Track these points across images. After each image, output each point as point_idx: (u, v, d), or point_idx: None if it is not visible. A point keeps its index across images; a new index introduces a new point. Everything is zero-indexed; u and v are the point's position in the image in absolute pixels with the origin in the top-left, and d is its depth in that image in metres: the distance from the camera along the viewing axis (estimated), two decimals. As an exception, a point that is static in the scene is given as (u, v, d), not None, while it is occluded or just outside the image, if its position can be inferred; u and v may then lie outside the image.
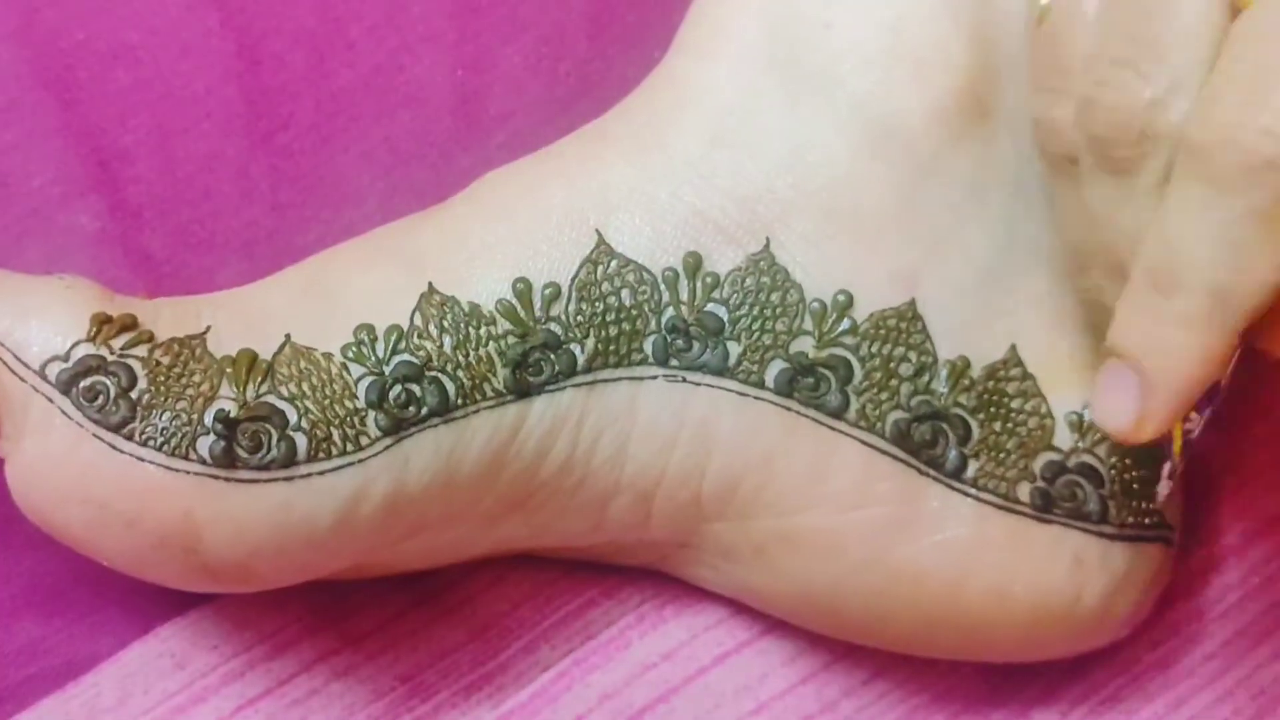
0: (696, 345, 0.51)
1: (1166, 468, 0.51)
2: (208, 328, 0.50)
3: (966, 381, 0.51)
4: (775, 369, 0.51)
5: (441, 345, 0.50)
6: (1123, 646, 0.55)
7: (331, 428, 0.49)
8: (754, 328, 0.51)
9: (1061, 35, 0.47)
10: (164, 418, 0.48)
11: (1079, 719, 0.55)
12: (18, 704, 0.54)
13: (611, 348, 0.51)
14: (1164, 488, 0.51)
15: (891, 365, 0.51)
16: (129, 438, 0.48)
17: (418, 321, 0.50)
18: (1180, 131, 0.44)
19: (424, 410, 0.49)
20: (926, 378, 0.51)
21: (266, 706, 0.54)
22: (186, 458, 0.48)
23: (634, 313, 0.51)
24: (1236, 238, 0.43)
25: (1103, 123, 0.45)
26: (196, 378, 0.49)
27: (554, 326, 0.50)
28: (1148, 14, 0.45)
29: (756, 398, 0.51)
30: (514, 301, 0.50)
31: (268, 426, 0.48)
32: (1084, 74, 0.46)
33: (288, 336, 0.50)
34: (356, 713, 0.55)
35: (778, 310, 0.51)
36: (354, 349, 0.49)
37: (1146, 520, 0.52)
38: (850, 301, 0.51)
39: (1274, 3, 0.43)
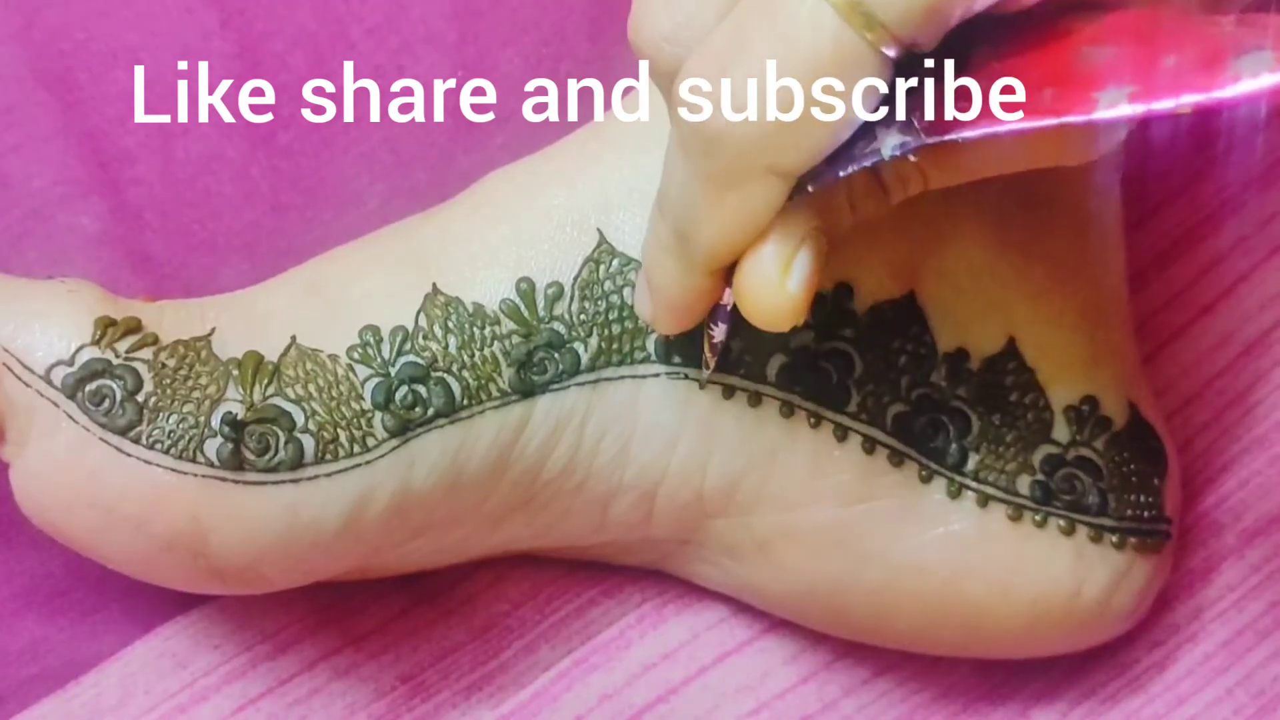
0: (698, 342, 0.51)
1: (704, 367, 0.50)
2: (212, 330, 0.50)
3: (965, 374, 0.51)
4: (776, 364, 0.51)
5: (447, 346, 0.50)
6: (1123, 646, 0.56)
7: (338, 429, 0.49)
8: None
9: None
10: (171, 420, 0.48)
11: (1079, 719, 0.56)
12: (19, 704, 0.54)
13: (614, 346, 0.51)
14: (701, 375, 0.51)
15: (891, 358, 0.51)
16: (136, 441, 0.48)
17: (422, 322, 0.50)
18: (671, 79, 0.43)
19: (430, 411, 0.49)
20: (926, 370, 0.51)
21: (268, 706, 0.54)
22: (194, 460, 0.48)
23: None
24: (691, 195, 0.44)
25: (636, 37, 0.44)
26: (203, 380, 0.49)
27: (557, 326, 0.50)
28: None
29: (758, 393, 0.51)
30: (518, 301, 0.50)
31: (275, 429, 0.48)
32: None
33: (293, 338, 0.50)
34: (357, 712, 0.55)
35: (778, 306, 0.51)
36: (359, 350, 0.49)
37: (1145, 514, 0.53)
38: (850, 294, 0.51)
39: None
